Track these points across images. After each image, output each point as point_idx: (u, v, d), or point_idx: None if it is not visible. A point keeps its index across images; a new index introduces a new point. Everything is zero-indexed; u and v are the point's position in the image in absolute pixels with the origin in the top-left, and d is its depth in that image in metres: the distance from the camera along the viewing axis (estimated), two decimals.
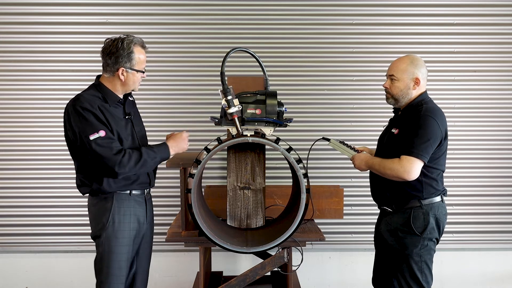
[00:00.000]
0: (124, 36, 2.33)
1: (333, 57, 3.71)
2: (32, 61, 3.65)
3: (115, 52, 2.29)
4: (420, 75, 2.46)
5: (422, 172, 2.37)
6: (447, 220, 3.74)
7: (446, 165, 3.73)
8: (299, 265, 2.66)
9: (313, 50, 3.71)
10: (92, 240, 2.45)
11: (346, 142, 2.71)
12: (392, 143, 2.48)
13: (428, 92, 3.71)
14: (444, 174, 3.71)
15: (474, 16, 3.74)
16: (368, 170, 2.59)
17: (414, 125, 2.36)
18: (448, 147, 3.73)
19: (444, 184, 3.72)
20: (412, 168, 2.30)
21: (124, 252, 2.37)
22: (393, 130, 2.51)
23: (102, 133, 2.23)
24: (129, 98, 2.51)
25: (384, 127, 2.70)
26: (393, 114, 2.68)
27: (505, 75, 3.77)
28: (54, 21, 3.64)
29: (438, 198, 2.48)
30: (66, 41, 3.65)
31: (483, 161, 3.79)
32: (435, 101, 3.70)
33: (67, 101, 2.34)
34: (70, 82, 3.64)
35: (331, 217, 3.26)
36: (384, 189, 2.52)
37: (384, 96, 3.86)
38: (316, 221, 3.20)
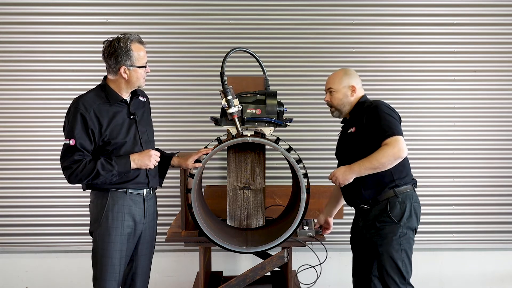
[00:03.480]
0: (121, 35, 2.34)
1: (333, 57, 3.71)
2: (32, 61, 3.65)
3: (114, 53, 2.31)
4: (355, 83, 2.60)
5: None
6: (448, 220, 3.79)
7: (446, 165, 3.77)
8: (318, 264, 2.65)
9: (313, 50, 3.71)
10: (91, 238, 2.46)
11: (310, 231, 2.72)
12: (352, 142, 2.53)
13: (428, 92, 3.75)
14: (444, 174, 3.77)
15: (474, 16, 3.74)
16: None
17: (374, 116, 2.44)
18: (448, 147, 3.77)
19: (444, 184, 3.77)
20: (402, 144, 2.35)
21: (116, 249, 2.37)
22: (350, 131, 2.56)
23: (72, 142, 2.29)
24: (140, 98, 2.52)
25: (338, 137, 2.74)
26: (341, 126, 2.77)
27: (505, 75, 3.77)
28: (54, 21, 3.64)
29: (410, 187, 2.50)
30: (66, 41, 3.65)
31: (483, 161, 3.78)
32: (434, 102, 3.74)
33: (67, 101, 2.38)
34: (70, 82, 3.64)
35: None
36: (357, 187, 2.51)
37: (383, 97, 3.87)
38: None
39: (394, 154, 2.34)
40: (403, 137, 2.38)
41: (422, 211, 3.74)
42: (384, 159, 2.35)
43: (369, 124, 2.44)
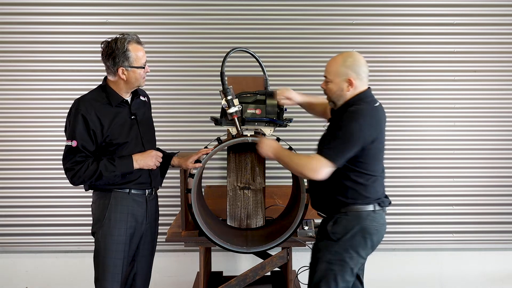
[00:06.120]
0: (118, 36, 2.34)
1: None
2: (33, 61, 3.65)
3: (111, 54, 2.31)
4: (353, 75, 2.26)
5: (346, 174, 2.23)
6: (448, 220, 3.78)
7: (446, 165, 3.77)
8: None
9: (313, 50, 3.71)
10: (92, 239, 2.47)
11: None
12: (320, 140, 2.37)
13: (428, 92, 3.75)
14: (444, 174, 3.77)
15: (474, 16, 3.74)
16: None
17: (336, 125, 2.23)
18: (448, 147, 3.76)
19: (444, 184, 3.77)
20: (319, 168, 2.15)
21: (119, 250, 2.38)
22: (325, 125, 2.40)
23: (73, 143, 2.29)
24: (141, 98, 2.52)
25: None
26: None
27: (505, 75, 3.76)
28: (54, 21, 3.64)
29: (369, 207, 2.24)
30: (66, 41, 3.65)
31: (483, 161, 3.78)
32: (435, 102, 3.73)
33: (67, 101, 2.38)
34: (69, 82, 3.64)
35: None
36: (318, 193, 2.37)
37: (383, 97, 3.85)
38: (317, 221, 3.19)
39: (303, 169, 2.19)
40: (331, 164, 2.15)
41: (422, 211, 3.77)
42: (295, 166, 2.23)
43: (330, 130, 2.27)
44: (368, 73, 2.32)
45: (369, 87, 2.35)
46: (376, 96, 3.78)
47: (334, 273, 2.22)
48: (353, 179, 2.24)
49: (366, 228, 2.22)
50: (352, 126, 2.17)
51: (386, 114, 3.51)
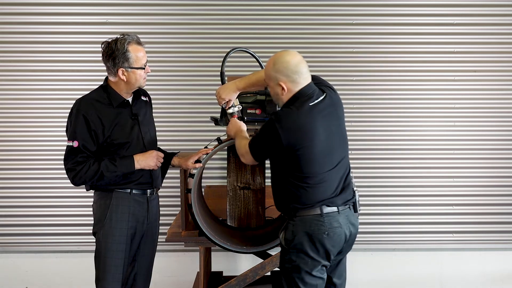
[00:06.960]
0: (118, 36, 2.34)
1: (333, 57, 3.71)
2: (33, 61, 3.64)
3: (111, 55, 2.31)
4: (283, 79, 2.14)
5: (287, 179, 2.18)
6: (448, 220, 3.78)
7: (446, 165, 3.76)
8: None
9: (313, 50, 3.71)
10: (92, 239, 2.47)
11: None
12: None
13: (428, 92, 3.74)
14: (444, 174, 3.76)
15: (474, 16, 3.74)
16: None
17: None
18: (448, 147, 3.75)
19: (444, 184, 3.77)
20: (245, 153, 2.26)
21: (120, 250, 2.38)
22: None
23: (75, 144, 2.30)
24: (142, 98, 2.53)
25: None
26: None
27: (505, 75, 3.76)
28: (54, 21, 3.64)
29: (314, 211, 2.13)
30: (66, 41, 3.65)
31: (483, 161, 3.78)
32: (435, 102, 3.73)
33: (68, 101, 2.38)
34: (70, 82, 3.64)
35: None
36: (275, 198, 2.34)
37: (383, 97, 3.85)
38: None
39: (238, 150, 2.32)
40: (250, 155, 2.23)
41: (422, 211, 3.77)
42: (236, 148, 2.35)
43: None
44: (305, 71, 2.16)
45: (308, 83, 2.18)
46: (376, 97, 3.75)
47: (294, 280, 2.18)
48: (293, 182, 2.16)
49: (312, 234, 2.12)
50: (268, 128, 2.15)
51: (386, 114, 3.53)
